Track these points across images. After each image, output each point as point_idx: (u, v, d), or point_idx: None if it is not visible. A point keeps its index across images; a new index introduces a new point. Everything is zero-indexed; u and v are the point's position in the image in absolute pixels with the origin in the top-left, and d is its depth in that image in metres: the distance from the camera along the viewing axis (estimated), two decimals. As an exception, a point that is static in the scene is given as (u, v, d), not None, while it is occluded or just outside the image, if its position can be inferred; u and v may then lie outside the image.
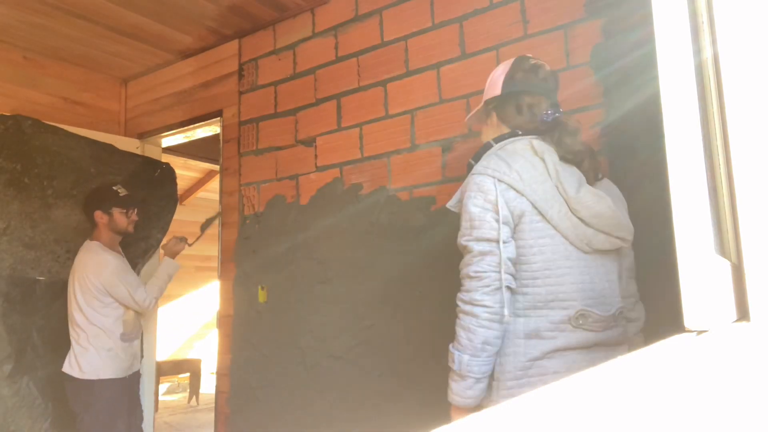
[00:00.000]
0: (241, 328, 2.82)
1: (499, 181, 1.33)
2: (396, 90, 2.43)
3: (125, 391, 2.65)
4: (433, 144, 2.29)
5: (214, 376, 3.01)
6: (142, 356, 3.16)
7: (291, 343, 2.61)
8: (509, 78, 1.51)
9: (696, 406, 0.49)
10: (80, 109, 3.42)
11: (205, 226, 3.01)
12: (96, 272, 2.54)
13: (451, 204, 1.49)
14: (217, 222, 3.06)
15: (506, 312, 1.29)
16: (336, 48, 2.66)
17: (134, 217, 2.74)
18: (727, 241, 0.70)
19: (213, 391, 3.11)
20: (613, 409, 0.45)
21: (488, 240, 1.31)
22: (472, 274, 1.31)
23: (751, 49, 0.67)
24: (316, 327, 2.53)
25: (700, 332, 0.59)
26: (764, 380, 0.57)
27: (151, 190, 3.20)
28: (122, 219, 2.68)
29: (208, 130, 3.39)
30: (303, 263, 2.62)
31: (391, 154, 2.41)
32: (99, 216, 2.65)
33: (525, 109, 1.48)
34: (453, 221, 2.19)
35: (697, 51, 0.69)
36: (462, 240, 1.36)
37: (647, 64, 1.73)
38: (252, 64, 3.00)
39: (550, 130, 1.43)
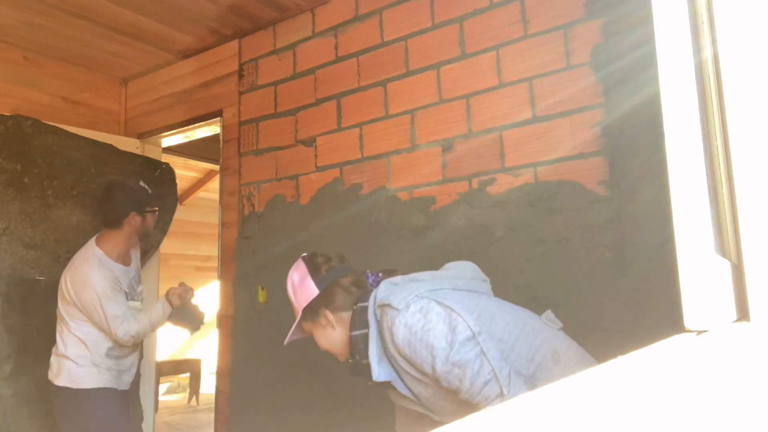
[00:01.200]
0: (241, 328, 2.82)
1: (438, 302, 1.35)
2: (396, 90, 2.43)
3: (118, 404, 2.35)
4: (433, 144, 2.29)
5: (214, 376, 3.01)
6: (141, 356, 3.16)
7: (291, 343, 2.61)
8: (316, 275, 1.56)
9: (696, 406, 0.49)
10: (80, 109, 3.42)
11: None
12: (79, 290, 2.27)
13: (379, 377, 1.41)
14: (217, 223, 3.06)
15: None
16: (336, 48, 2.66)
17: (157, 215, 2.59)
18: (727, 241, 0.70)
19: (213, 391, 3.11)
20: (614, 409, 0.45)
21: (470, 338, 1.28)
22: (488, 376, 1.25)
23: (751, 49, 0.67)
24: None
25: (700, 332, 0.59)
26: (764, 380, 0.57)
27: (152, 190, 3.20)
28: (152, 219, 2.52)
29: (208, 130, 3.39)
30: (303, 263, 2.62)
31: (391, 154, 2.41)
32: (132, 218, 2.40)
33: (352, 288, 1.53)
34: (453, 221, 2.19)
35: (697, 51, 0.69)
36: (452, 356, 1.27)
37: (647, 64, 1.73)
38: (252, 64, 3.00)
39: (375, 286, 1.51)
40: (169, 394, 6.87)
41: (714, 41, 0.68)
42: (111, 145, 3.18)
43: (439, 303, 1.34)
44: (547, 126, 2.03)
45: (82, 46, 3.16)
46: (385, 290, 1.43)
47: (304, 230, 2.64)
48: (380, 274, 1.55)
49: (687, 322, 0.59)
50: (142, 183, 2.52)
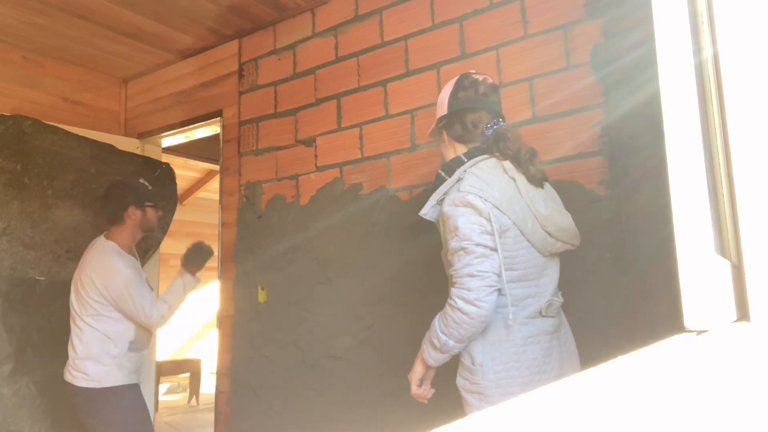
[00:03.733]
0: (241, 328, 2.82)
1: (486, 200, 1.47)
2: (396, 90, 2.43)
3: (140, 398, 2.43)
4: (433, 144, 2.28)
5: (214, 376, 3.01)
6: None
7: (291, 343, 2.61)
8: (453, 97, 1.65)
9: (696, 406, 0.49)
10: (80, 109, 3.42)
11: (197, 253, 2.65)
12: (105, 280, 2.31)
13: (424, 212, 1.62)
14: (217, 223, 3.06)
15: (491, 314, 1.44)
16: (336, 48, 2.66)
17: (160, 212, 2.60)
18: (727, 241, 0.70)
19: (213, 391, 3.11)
20: (614, 409, 0.45)
21: (487, 247, 1.45)
22: (476, 273, 1.42)
23: (751, 49, 0.67)
24: (316, 327, 2.53)
25: (700, 332, 0.59)
26: (764, 380, 0.57)
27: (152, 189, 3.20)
28: (153, 215, 2.52)
29: (208, 130, 3.39)
30: (303, 263, 2.62)
31: (391, 154, 2.41)
32: (132, 212, 2.43)
33: (470, 126, 1.62)
34: (453, 221, 2.19)
35: (697, 50, 0.69)
36: (461, 243, 1.46)
37: (647, 64, 1.73)
38: (252, 64, 3.00)
39: (492, 142, 1.59)
40: (169, 394, 6.87)
41: (714, 41, 0.68)
42: (111, 145, 3.18)
43: (482, 211, 1.46)
44: (547, 126, 2.03)
45: (82, 46, 3.16)
46: (471, 178, 1.51)
47: (304, 230, 2.64)
48: (495, 127, 1.59)
49: (687, 322, 0.59)
50: (142, 180, 2.57)
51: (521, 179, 1.54)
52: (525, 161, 1.55)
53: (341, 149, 2.57)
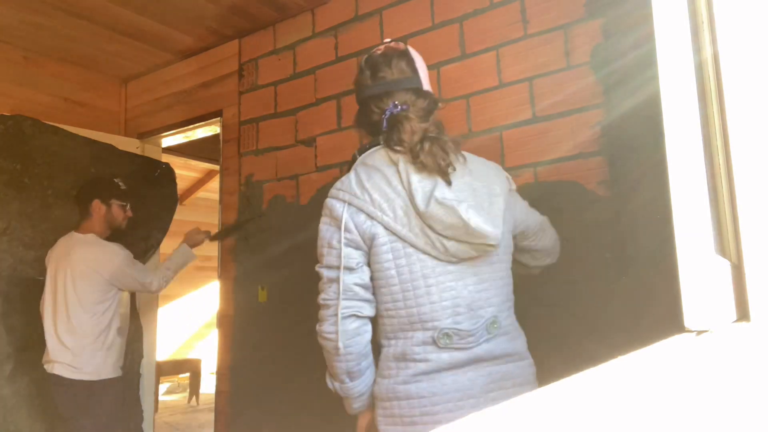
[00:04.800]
0: (241, 328, 2.82)
1: (349, 204, 1.28)
2: (396, 90, 2.42)
3: (123, 392, 2.58)
4: (433, 144, 2.28)
5: (214, 376, 3.01)
6: (142, 356, 3.16)
7: (291, 343, 2.61)
8: (357, 85, 1.42)
9: (696, 406, 0.49)
10: (80, 109, 3.42)
11: (232, 229, 2.87)
12: (104, 264, 2.44)
13: None
14: (217, 222, 3.06)
15: (341, 344, 1.27)
16: (336, 48, 2.66)
17: (129, 213, 2.67)
18: (727, 241, 0.70)
19: (213, 391, 3.11)
20: (614, 409, 0.45)
21: (334, 267, 1.29)
22: (322, 303, 1.32)
23: (751, 49, 0.67)
24: (316, 327, 2.53)
25: (700, 332, 0.59)
26: (764, 380, 0.57)
27: (151, 190, 3.20)
28: (120, 212, 2.61)
29: (208, 130, 3.39)
30: (303, 263, 2.62)
31: (391, 154, 2.40)
32: (96, 206, 2.54)
33: (375, 114, 1.37)
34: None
35: (697, 50, 0.69)
36: (317, 266, 1.35)
37: (647, 64, 1.73)
38: (252, 64, 3.00)
39: (388, 133, 1.33)
40: (169, 394, 6.87)
41: (714, 40, 0.68)
42: (111, 145, 3.18)
43: (337, 218, 1.30)
44: (547, 126, 2.03)
45: (82, 46, 3.16)
46: (346, 176, 1.36)
47: (304, 230, 2.64)
48: (396, 107, 1.33)
49: (687, 322, 0.59)
50: (117, 180, 2.65)
51: (405, 167, 1.28)
52: (416, 148, 1.27)
53: (341, 149, 2.57)
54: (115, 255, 2.47)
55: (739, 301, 0.65)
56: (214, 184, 6.40)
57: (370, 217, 1.27)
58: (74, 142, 3.01)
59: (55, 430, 2.73)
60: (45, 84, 3.28)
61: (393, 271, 1.27)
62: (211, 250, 4.42)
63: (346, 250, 1.27)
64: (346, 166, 2.53)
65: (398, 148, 1.30)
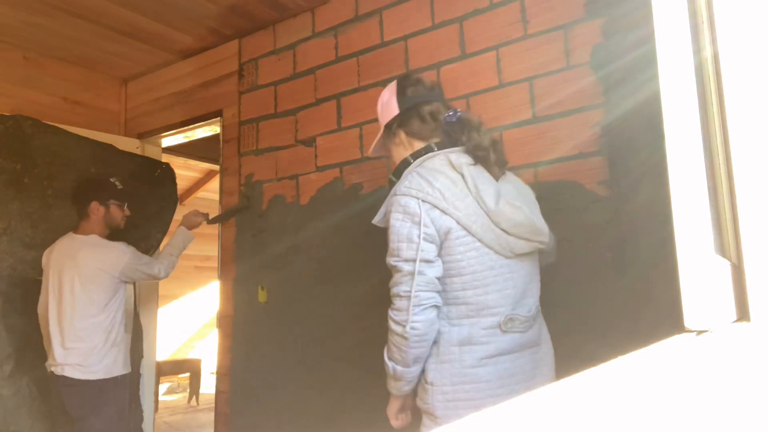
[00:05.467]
0: (241, 328, 2.82)
1: (423, 201, 1.38)
2: (396, 90, 2.42)
3: (128, 389, 2.61)
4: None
5: (214, 376, 3.01)
6: (142, 356, 3.16)
7: (291, 343, 2.61)
8: (401, 95, 1.57)
9: (696, 406, 0.49)
10: (80, 109, 3.42)
11: (230, 213, 2.91)
12: (113, 263, 2.48)
13: (376, 220, 1.56)
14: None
15: (422, 332, 1.35)
16: (336, 48, 2.66)
17: (127, 212, 2.68)
18: (727, 241, 0.70)
19: (213, 391, 3.11)
20: (614, 409, 0.45)
21: (416, 261, 1.36)
22: (403, 294, 1.37)
23: (751, 49, 0.67)
24: (316, 327, 2.53)
25: (700, 332, 0.59)
26: (764, 380, 0.57)
27: (151, 190, 3.20)
28: (118, 213, 2.62)
29: (208, 130, 3.39)
30: (303, 263, 2.62)
31: (391, 154, 2.41)
32: (95, 207, 2.55)
33: (428, 117, 1.54)
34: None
35: (697, 50, 0.69)
36: (391, 260, 1.41)
37: (647, 64, 1.73)
38: (252, 64, 3.00)
39: (456, 130, 1.51)
40: (169, 394, 6.87)
41: (714, 40, 0.68)
42: (111, 145, 3.18)
43: (421, 205, 1.38)
44: (547, 126, 2.03)
45: (82, 46, 3.16)
46: (411, 177, 1.44)
47: (304, 230, 2.64)
48: (458, 113, 1.52)
49: (687, 322, 0.59)
50: (113, 180, 2.66)
51: (470, 172, 1.43)
52: (487, 148, 1.45)
53: (341, 149, 2.57)
54: (123, 254, 2.52)
55: (739, 301, 0.65)
56: (214, 184, 6.40)
57: (444, 212, 1.38)
58: (74, 142, 3.01)
59: (57, 430, 2.72)
60: (45, 84, 3.28)
61: (464, 263, 1.39)
62: (211, 250, 4.42)
63: (424, 244, 1.36)
64: (348, 164, 2.53)
65: (470, 151, 1.46)
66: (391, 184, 1.54)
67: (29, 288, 2.75)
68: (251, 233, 2.85)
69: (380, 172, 2.43)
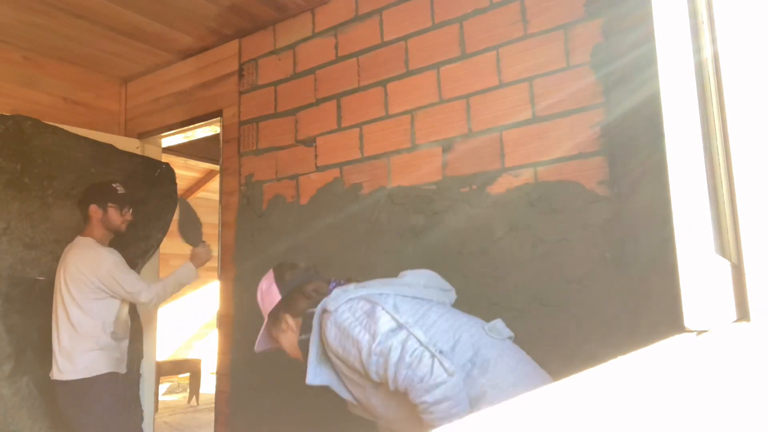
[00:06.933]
0: (241, 328, 2.82)
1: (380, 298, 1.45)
2: (396, 90, 2.42)
3: (123, 389, 2.59)
4: (433, 144, 2.28)
5: (214, 376, 3.01)
6: (142, 356, 3.16)
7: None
8: (280, 281, 1.63)
9: (696, 406, 0.49)
10: (80, 109, 3.42)
11: (189, 221, 2.83)
12: (93, 268, 2.46)
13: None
14: (217, 223, 3.05)
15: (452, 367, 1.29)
16: (336, 48, 2.66)
17: (128, 216, 2.67)
18: (727, 241, 0.70)
19: (213, 391, 3.11)
20: (614, 408, 0.45)
21: (394, 329, 1.34)
22: (417, 352, 1.29)
23: (751, 49, 0.67)
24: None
25: (700, 332, 0.59)
26: (764, 380, 0.57)
27: (151, 190, 3.20)
28: (116, 216, 2.62)
29: (208, 130, 3.39)
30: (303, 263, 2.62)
31: (391, 154, 2.40)
32: (93, 210, 2.58)
33: (313, 294, 1.60)
34: (453, 221, 2.19)
35: (697, 50, 0.69)
36: (374, 347, 1.33)
37: (647, 64, 1.73)
38: (252, 64, 3.00)
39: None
40: (169, 394, 6.87)
41: (714, 40, 0.68)
42: (111, 145, 3.18)
43: (366, 299, 1.40)
44: (547, 126, 2.03)
45: (82, 46, 3.16)
46: (332, 296, 1.48)
47: (304, 230, 2.64)
48: (343, 282, 1.58)
49: (687, 322, 0.59)
50: (115, 185, 2.66)
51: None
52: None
53: (341, 149, 2.57)
54: (103, 260, 2.48)
55: (739, 301, 0.65)
56: (214, 184, 6.40)
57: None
58: (74, 142, 3.00)
59: (55, 429, 2.72)
60: (45, 84, 3.27)
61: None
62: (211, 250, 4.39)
63: (392, 314, 1.44)
64: (348, 164, 2.53)
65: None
66: (302, 343, 1.56)
67: (29, 288, 2.76)
68: (251, 233, 2.85)
69: (380, 172, 2.43)
